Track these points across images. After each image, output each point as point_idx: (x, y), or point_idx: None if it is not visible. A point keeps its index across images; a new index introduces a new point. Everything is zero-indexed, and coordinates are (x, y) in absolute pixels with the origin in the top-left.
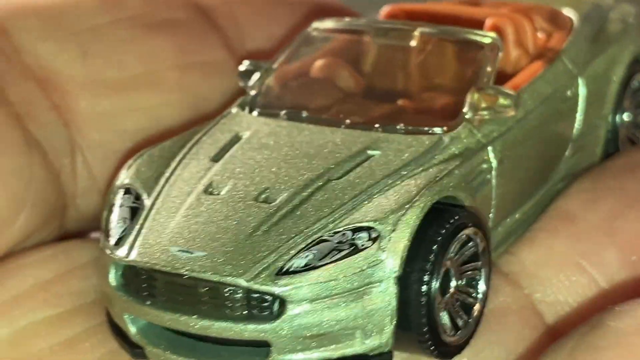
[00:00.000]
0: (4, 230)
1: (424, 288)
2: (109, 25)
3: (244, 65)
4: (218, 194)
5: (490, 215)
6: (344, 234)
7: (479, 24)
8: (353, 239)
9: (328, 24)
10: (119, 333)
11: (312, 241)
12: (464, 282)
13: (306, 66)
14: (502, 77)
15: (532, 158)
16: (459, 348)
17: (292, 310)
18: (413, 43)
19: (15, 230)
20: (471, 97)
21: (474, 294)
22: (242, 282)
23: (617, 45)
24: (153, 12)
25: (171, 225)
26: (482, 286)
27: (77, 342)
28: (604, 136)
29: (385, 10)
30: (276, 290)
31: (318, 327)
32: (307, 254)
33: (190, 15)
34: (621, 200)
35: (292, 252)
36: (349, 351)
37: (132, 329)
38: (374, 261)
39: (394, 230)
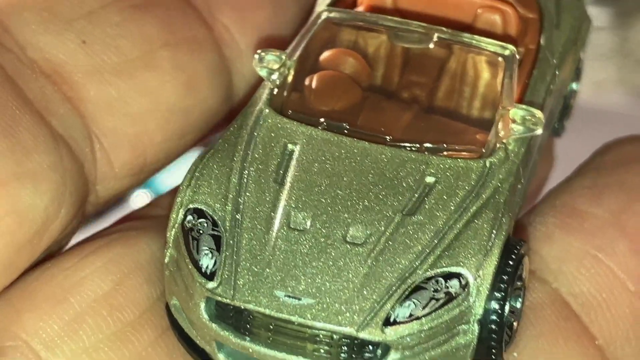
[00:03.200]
0: (50, 225)
1: (500, 322)
2: (100, 11)
3: (260, 55)
4: (303, 230)
5: None
6: (437, 280)
7: (466, 14)
8: (447, 287)
9: (339, 15)
10: (197, 351)
11: (407, 287)
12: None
13: (324, 61)
14: None
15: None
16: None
17: (396, 355)
18: (430, 47)
19: (58, 224)
20: (501, 116)
21: (515, 311)
22: (353, 332)
23: (573, 28)
24: None
25: (265, 263)
26: (519, 304)
27: (147, 355)
28: (561, 109)
29: None
30: (385, 339)
31: None
32: (408, 302)
33: None
34: (623, 195)
35: (394, 299)
36: None
37: (220, 355)
38: (465, 307)
39: (478, 276)
